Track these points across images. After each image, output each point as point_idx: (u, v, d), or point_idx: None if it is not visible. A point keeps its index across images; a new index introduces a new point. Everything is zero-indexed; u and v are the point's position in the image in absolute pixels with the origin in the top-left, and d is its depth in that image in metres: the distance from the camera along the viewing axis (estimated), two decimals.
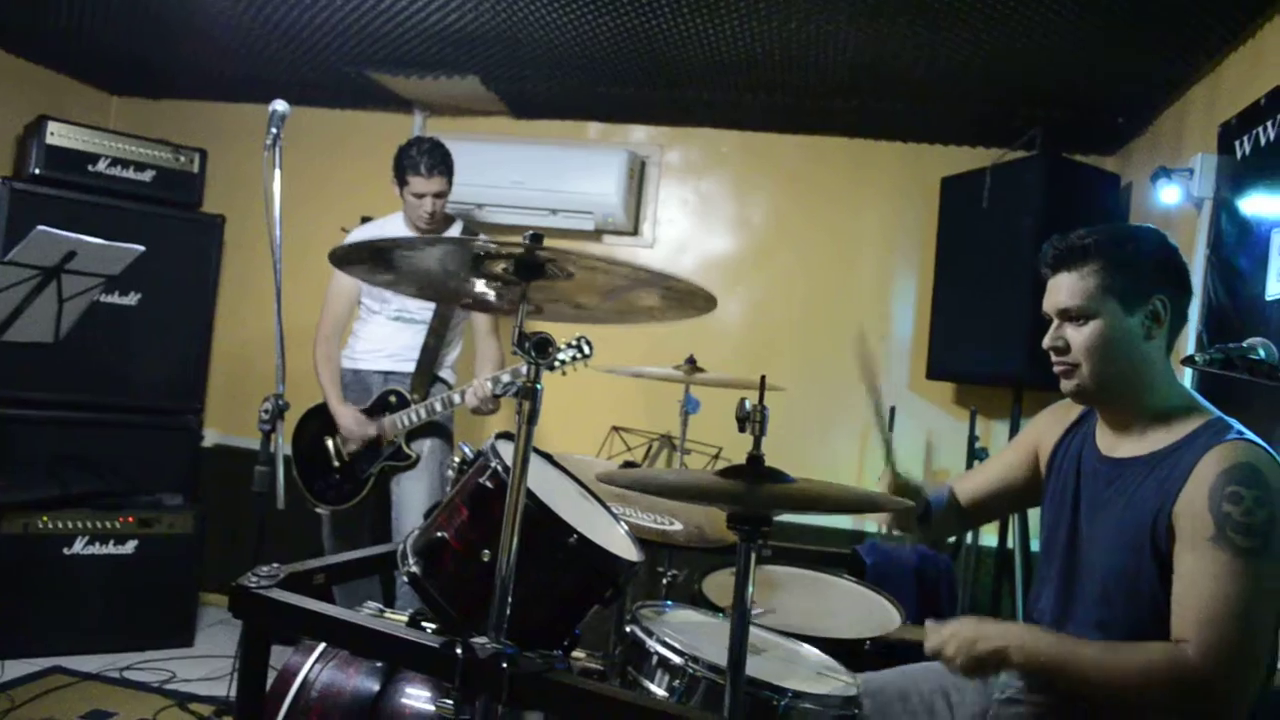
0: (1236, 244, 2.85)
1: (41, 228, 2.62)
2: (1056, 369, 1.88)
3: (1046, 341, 1.89)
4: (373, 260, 1.79)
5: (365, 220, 4.41)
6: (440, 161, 3.67)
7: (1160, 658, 1.61)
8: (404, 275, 1.82)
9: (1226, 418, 1.79)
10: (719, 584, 2.53)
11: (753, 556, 1.46)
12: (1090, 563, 1.86)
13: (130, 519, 4.12)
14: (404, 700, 1.92)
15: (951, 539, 3.84)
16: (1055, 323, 1.88)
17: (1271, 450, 1.71)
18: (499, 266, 1.57)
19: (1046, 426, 2.12)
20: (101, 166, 4.29)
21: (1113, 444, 1.90)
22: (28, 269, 2.66)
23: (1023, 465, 2.15)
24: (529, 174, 4.36)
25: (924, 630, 1.82)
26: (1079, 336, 1.83)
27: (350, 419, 3.67)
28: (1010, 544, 3.77)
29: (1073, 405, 2.05)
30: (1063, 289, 1.85)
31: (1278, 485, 1.65)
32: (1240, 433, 1.73)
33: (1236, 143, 2.89)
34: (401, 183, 3.70)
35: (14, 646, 3.81)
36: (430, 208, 3.66)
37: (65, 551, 3.98)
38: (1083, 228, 1.87)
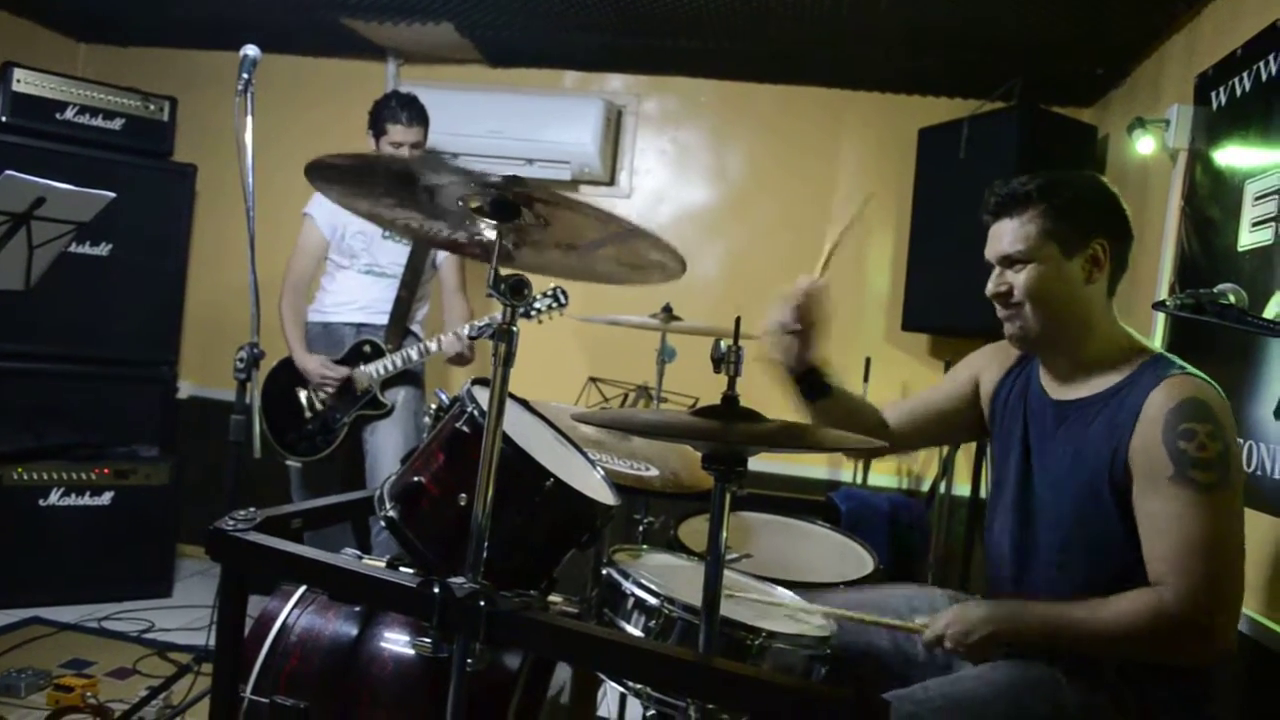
0: (1210, 195, 2.87)
1: (9, 172, 2.58)
2: (1000, 314, 1.93)
3: (989, 289, 1.92)
4: (352, 182, 1.76)
5: None
6: (419, 113, 3.71)
7: (1143, 608, 1.64)
8: (378, 203, 1.79)
9: (1168, 355, 1.83)
10: (695, 530, 2.55)
11: (727, 497, 1.47)
12: (1044, 504, 1.90)
13: (106, 470, 4.10)
14: (382, 644, 1.93)
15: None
16: (997, 270, 1.92)
17: (1212, 381, 1.75)
18: (474, 204, 1.56)
19: (986, 363, 2.16)
20: (70, 114, 4.21)
21: (1057, 386, 1.95)
22: None
23: (959, 397, 2.18)
24: (505, 123, 4.33)
25: (917, 625, 1.86)
26: (1020, 281, 1.86)
27: (316, 364, 3.67)
28: (984, 493, 3.81)
29: (1006, 350, 2.09)
30: (1004, 235, 1.89)
31: (1225, 416, 1.69)
32: (1182, 368, 1.77)
33: (1213, 93, 2.89)
34: (379, 133, 3.71)
35: None
36: (406, 156, 3.65)
37: (41, 503, 3.97)
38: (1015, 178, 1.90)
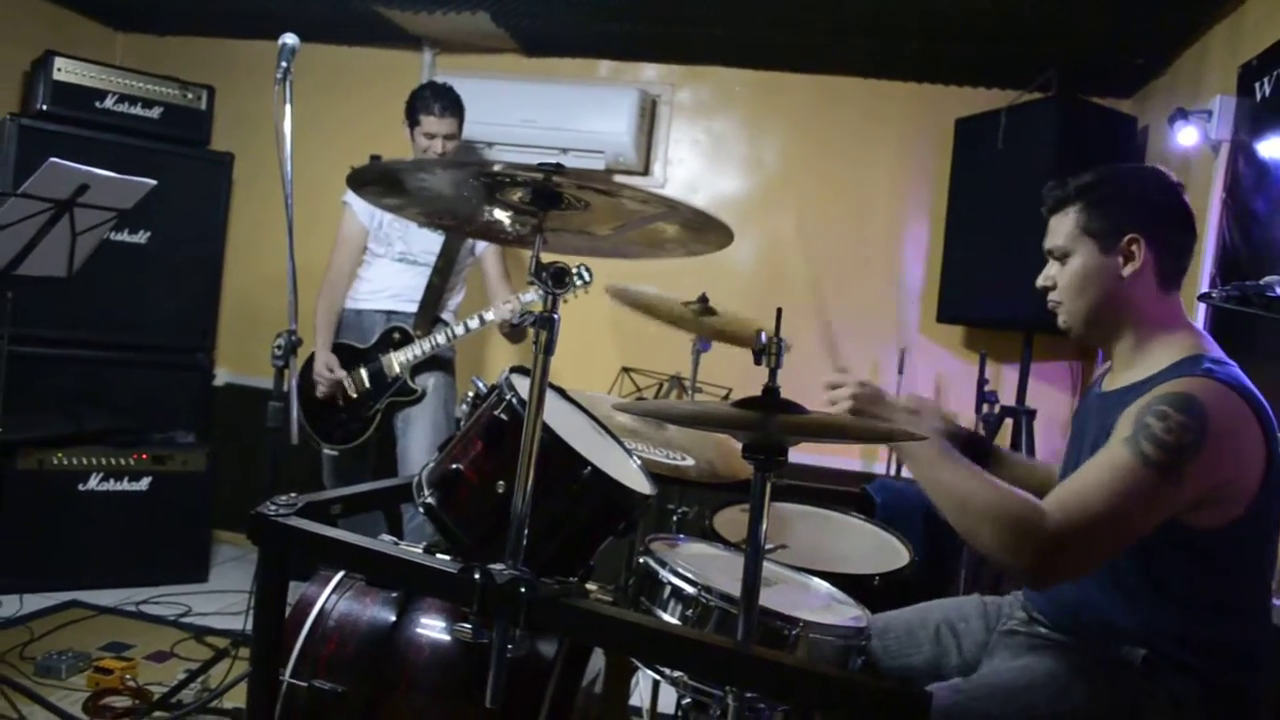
0: (1254, 187, 2.83)
1: (54, 160, 2.61)
2: (1049, 305, 1.97)
3: (1039, 281, 1.97)
4: (387, 183, 1.78)
5: (375, 159, 4.38)
6: (452, 103, 3.73)
7: (1020, 510, 1.60)
8: (416, 200, 1.81)
9: (1209, 355, 1.78)
10: (730, 520, 2.55)
11: (767, 487, 1.47)
12: None
13: (144, 456, 4.16)
14: (419, 629, 1.95)
15: None
16: (1049, 262, 1.97)
17: (1250, 395, 1.70)
18: (516, 195, 1.57)
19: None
20: (109, 103, 4.26)
21: (1110, 380, 1.95)
22: (41, 201, 2.66)
23: None
24: (539, 113, 4.34)
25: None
26: (1062, 275, 1.91)
27: (322, 363, 3.71)
28: None
29: (1102, 366, 2.10)
30: (1051, 230, 1.94)
31: (1216, 425, 1.62)
32: (1209, 370, 1.71)
33: (1257, 84, 2.85)
34: (413, 123, 3.74)
35: (32, 581, 3.88)
36: (440, 148, 3.70)
37: (80, 488, 4.03)
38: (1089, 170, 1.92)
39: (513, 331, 3.69)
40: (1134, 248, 1.83)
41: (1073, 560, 1.61)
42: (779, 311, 1.51)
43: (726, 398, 3.57)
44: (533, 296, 3.58)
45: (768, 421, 1.43)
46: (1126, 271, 1.83)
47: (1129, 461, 1.60)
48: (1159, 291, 1.86)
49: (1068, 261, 1.89)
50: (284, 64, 2.71)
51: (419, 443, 3.71)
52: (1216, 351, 1.81)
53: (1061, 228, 1.90)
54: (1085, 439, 1.94)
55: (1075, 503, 1.60)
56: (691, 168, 4.61)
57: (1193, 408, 1.62)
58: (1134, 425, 1.64)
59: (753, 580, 1.47)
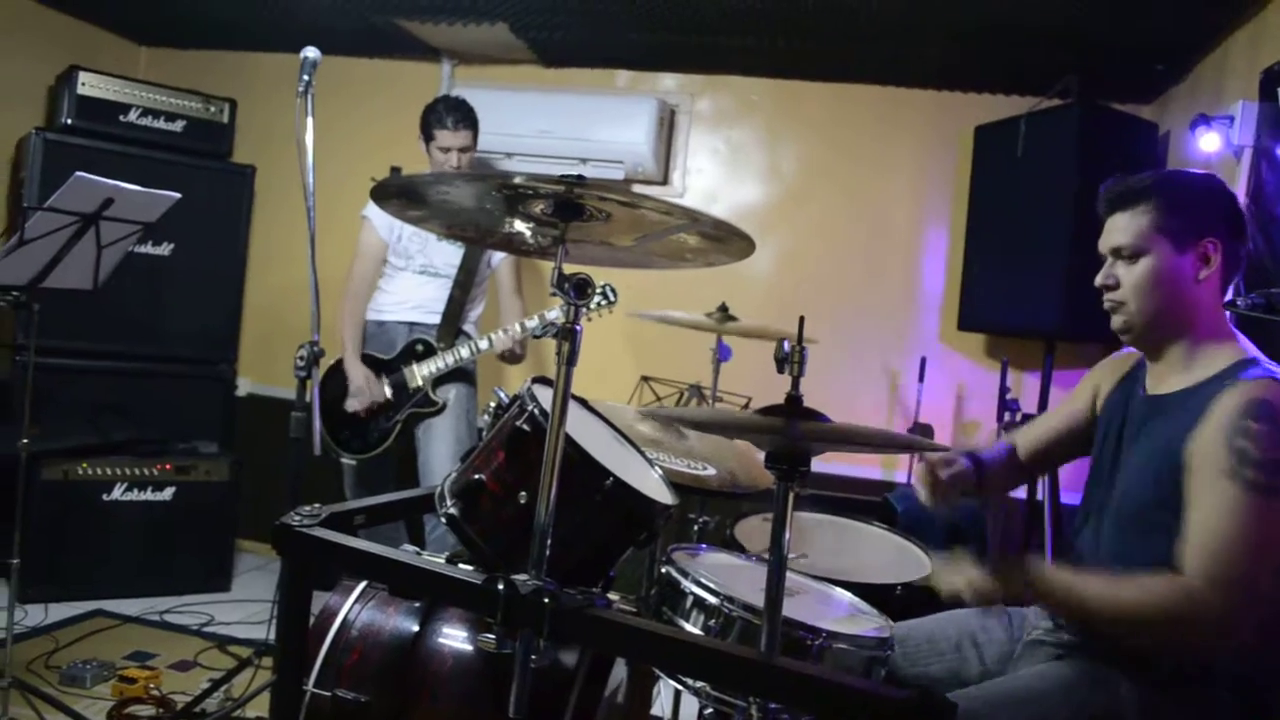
0: (1277, 193, 2.81)
1: (80, 174, 2.64)
2: (1106, 305, 1.92)
3: (1099, 279, 1.92)
4: (409, 196, 1.80)
5: (395, 171, 4.41)
6: (465, 116, 3.74)
7: (1168, 591, 1.62)
8: (438, 212, 1.82)
9: (1261, 357, 1.80)
10: (751, 529, 2.55)
11: (790, 496, 1.47)
12: (1119, 495, 1.89)
13: (168, 466, 4.18)
14: (441, 639, 1.95)
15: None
16: (1108, 261, 1.91)
17: None
18: (537, 207, 1.57)
19: (1104, 373, 2.14)
20: (133, 116, 4.30)
21: (1155, 383, 1.93)
22: (67, 215, 2.68)
23: (1083, 412, 2.16)
24: (558, 123, 4.35)
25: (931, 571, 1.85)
26: (1129, 274, 1.86)
27: (362, 377, 3.72)
28: (1040, 496, 3.77)
29: (1129, 356, 2.08)
30: (1117, 228, 1.88)
31: None
32: (1269, 371, 1.74)
33: (1279, 89, 2.83)
34: (428, 138, 3.76)
35: (57, 590, 3.90)
36: (455, 161, 3.72)
37: (105, 498, 4.05)
38: (1135, 174, 1.90)
39: (511, 357, 3.70)
40: (1212, 251, 1.82)
41: (1241, 614, 1.61)
42: (801, 320, 1.51)
43: (746, 406, 3.57)
44: (535, 323, 3.59)
45: (791, 429, 1.43)
46: (1202, 275, 1.82)
47: (1240, 495, 1.61)
48: (1217, 298, 1.86)
49: (1138, 261, 1.85)
50: (306, 77, 2.73)
51: (440, 453, 3.73)
52: (1262, 356, 1.82)
53: (1130, 226, 1.85)
54: (1123, 438, 1.94)
55: (1212, 563, 1.60)
56: (710, 177, 4.62)
57: (1275, 415, 1.64)
58: (1229, 454, 1.63)
59: (776, 590, 1.47)
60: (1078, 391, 2.20)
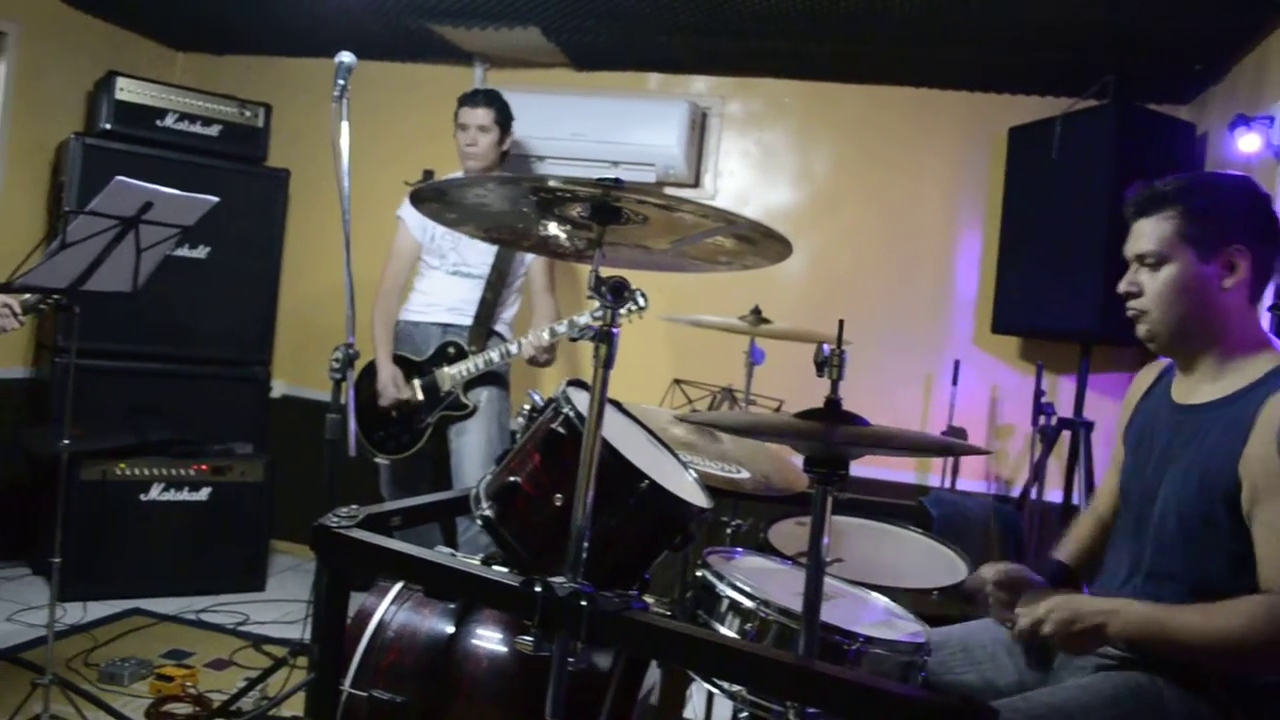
0: None
1: (120, 178, 2.67)
2: (1129, 313, 1.89)
3: (1121, 286, 1.89)
4: (446, 201, 1.81)
5: (428, 174, 4.44)
6: (485, 96, 3.83)
7: (1260, 611, 1.59)
8: (473, 215, 1.82)
9: None
10: (785, 533, 2.54)
11: (829, 500, 1.46)
12: (1162, 512, 1.84)
13: (204, 467, 4.23)
14: (476, 641, 1.96)
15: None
16: (1132, 267, 1.88)
17: None
18: (574, 210, 1.58)
19: (1131, 395, 2.11)
20: (169, 121, 4.36)
21: (1187, 392, 1.89)
22: (107, 219, 2.71)
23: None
24: (590, 126, 4.36)
25: (1014, 613, 1.81)
26: (1152, 282, 1.83)
27: (388, 376, 3.75)
28: (1075, 499, 3.74)
29: (1153, 368, 2.05)
30: (1141, 234, 1.85)
31: None
32: None
33: None
34: (456, 125, 3.82)
35: (95, 589, 3.96)
36: (471, 138, 3.77)
37: (142, 498, 4.10)
38: (1164, 177, 1.86)
39: (537, 362, 3.70)
40: (1237, 259, 1.79)
41: None
42: (841, 323, 1.50)
43: (779, 409, 3.56)
44: (563, 328, 3.59)
45: (831, 433, 1.42)
46: (1228, 283, 1.79)
47: None
48: (1246, 305, 1.83)
49: (1161, 268, 1.82)
50: (341, 81, 2.75)
51: (472, 456, 3.75)
52: None
53: (1155, 232, 1.82)
54: (1154, 449, 1.90)
55: None
56: (742, 179, 4.61)
57: None
58: None
59: (814, 594, 1.47)
60: (1119, 428, 2.14)
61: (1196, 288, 1.80)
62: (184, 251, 4.30)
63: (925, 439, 1.64)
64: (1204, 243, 1.78)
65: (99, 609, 3.87)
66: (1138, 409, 2.04)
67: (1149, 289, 1.84)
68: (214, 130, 4.47)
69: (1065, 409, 3.89)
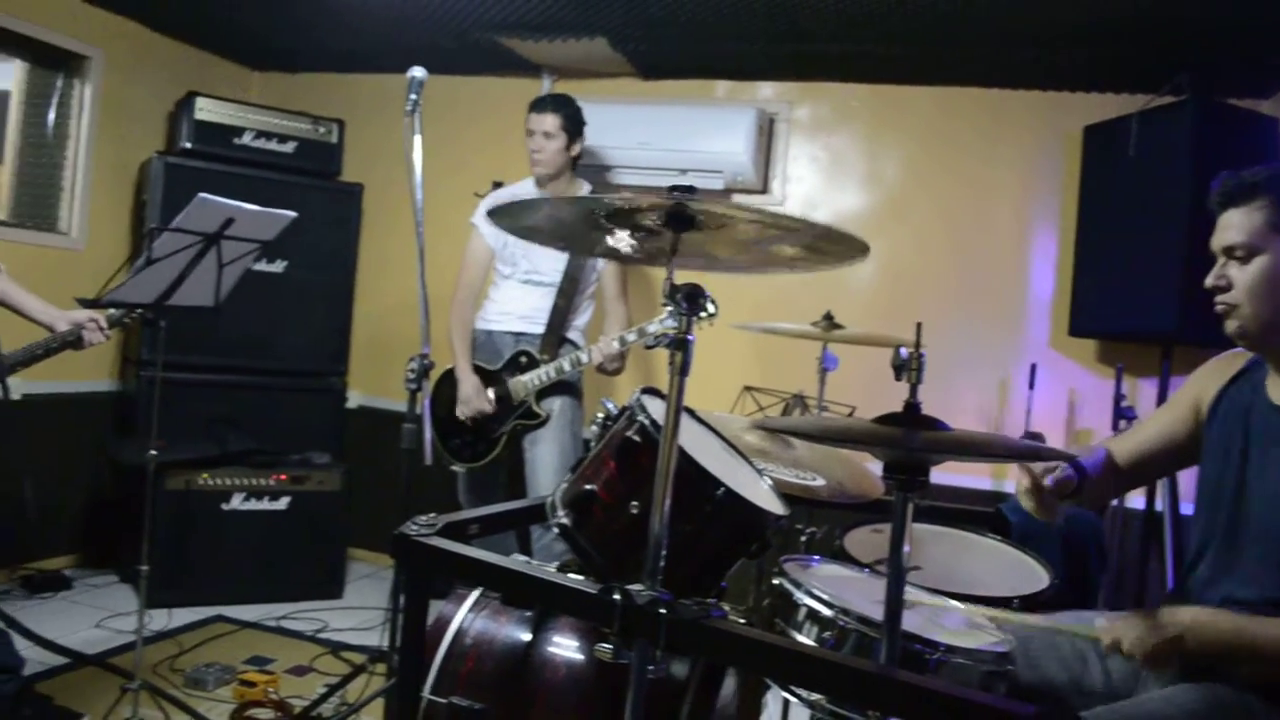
0: None
1: (202, 195, 2.74)
2: (1218, 309, 1.83)
3: (1209, 280, 1.83)
4: (519, 217, 1.83)
5: (497, 185, 4.48)
6: (549, 102, 3.84)
7: None
8: (546, 226, 1.84)
9: None
10: (861, 541, 2.51)
11: (909, 507, 1.45)
12: (1259, 520, 1.78)
13: (283, 476, 4.32)
14: (552, 648, 1.97)
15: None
16: (1220, 261, 1.82)
17: None
18: (647, 219, 1.58)
19: (1207, 379, 2.02)
20: (246, 139, 4.47)
21: None
22: (191, 235, 2.79)
23: (1184, 422, 2.04)
24: (657, 134, 4.37)
25: (1092, 628, 1.77)
26: (1242, 275, 1.77)
27: (470, 387, 3.77)
28: (1159, 506, 3.64)
29: (1236, 357, 1.97)
30: (1230, 226, 1.79)
31: None
32: None
33: None
34: (526, 131, 3.84)
35: (180, 595, 4.06)
36: (536, 145, 3.78)
37: (224, 507, 4.20)
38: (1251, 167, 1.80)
39: (607, 371, 3.72)
40: None
41: None
42: (919, 326, 1.49)
43: (851, 415, 3.53)
44: (634, 336, 3.59)
45: (911, 438, 1.41)
46: None
47: None
48: None
49: (1251, 261, 1.76)
50: (413, 96, 2.79)
51: (545, 465, 3.76)
52: None
53: (1245, 223, 1.76)
54: (1249, 456, 1.84)
55: None
56: (810, 185, 4.58)
57: None
58: None
59: (896, 602, 1.45)
60: (1176, 398, 2.08)
61: None
62: (263, 266, 4.39)
63: (1010, 444, 1.61)
64: None
65: (183, 615, 3.97)
66: (1221, 397, 1.96)
67: (1239, 283, 1.77)
68: (289, 147, 4.58)
69: (1146, 413, 3.80)
